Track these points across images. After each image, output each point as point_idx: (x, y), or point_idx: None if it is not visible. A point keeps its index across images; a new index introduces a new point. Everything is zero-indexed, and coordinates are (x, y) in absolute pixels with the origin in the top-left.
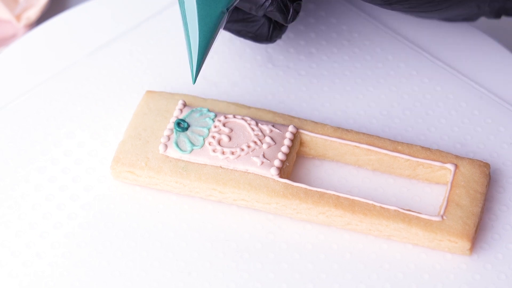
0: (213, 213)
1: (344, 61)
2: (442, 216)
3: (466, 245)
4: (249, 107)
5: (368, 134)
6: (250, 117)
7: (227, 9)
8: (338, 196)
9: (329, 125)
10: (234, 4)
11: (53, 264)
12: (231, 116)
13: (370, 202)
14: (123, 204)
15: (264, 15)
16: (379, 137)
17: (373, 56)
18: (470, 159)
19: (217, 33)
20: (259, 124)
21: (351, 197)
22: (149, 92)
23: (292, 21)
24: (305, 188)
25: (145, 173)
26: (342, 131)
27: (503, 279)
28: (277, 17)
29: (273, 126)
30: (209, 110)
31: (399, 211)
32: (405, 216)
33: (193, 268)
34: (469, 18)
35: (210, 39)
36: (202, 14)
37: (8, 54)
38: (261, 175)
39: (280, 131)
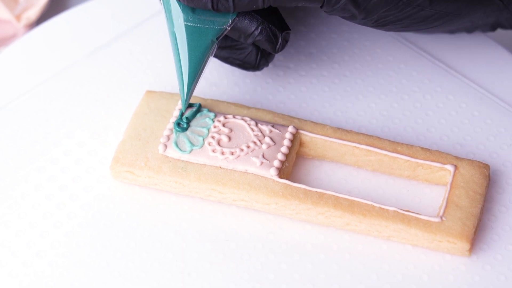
0: (213, 214)
1: (344, 62)
2: (441, 217)
3: (466, 246)
4: (249, 108)
5: (367, 135)
6: (250, 118)
7: (217, 39)
8: (338, 197)
9: (329, 125)
10: (224, 33)
11: (53, 263)
12: (230, 116)
13: (370, 203)
14: (122, 204)
15: (253, 43)
16: (379, 137)
17: (374, 57)
18: (470, 160)
19: (207, 61)
20: (259, 125)
21: (351, 198)
22: (149, 92)
23: (281, 50)
24: (305, 189)
25: (145, 173)
26: (342, 132)
27: (502, 280)
28: (266, 46)
29: (272, 126)
30: (208, 110)
31: (398, 212)
32: (405, 217)
33: (193, 269)
34: (465, 30)
35: (200, 68)
36: (192, 45)
37: (8, 54)
38: (260, 176)
39: (280, 131)
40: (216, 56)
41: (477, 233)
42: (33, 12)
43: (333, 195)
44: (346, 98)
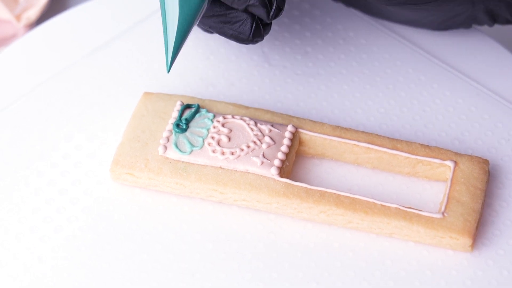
0: (214, 214)
1: (340, 60)
2: (443, 213)
3: (468, 241)
4: (248, 107)
5: (367, 133)
6: (249, 117)
7: None
8: (339, 195)
9: (328, 124)
10: None
11: (54, 267)
12: (229, 116)
13: (371, 200)
14: (123, 206)
15: (246, 11)
16: (378, 135)
17: (369, 55)
18: (469, 155)
19: (196, 22)
20: (258, 124)
21: (352, 196)
22: (146, 93)
23: (275, 17)
24: (306, 188)
25: (145, 174)
26: (341, 130)
27: (505, 275)
28: (259, 11)
29: (272, 125)
30: (207, 111)
31: (400, 208)
32: (406, 213)
33: (195, 270)
34: (462, 22)
35: (189, 26)
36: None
37: (8, 54)
38: (261, 175)
39: (279, 130)
40: (210, 26)
41: (478, 229)
42: (33, 12)
43: (334, 193)
44: (343, 96)
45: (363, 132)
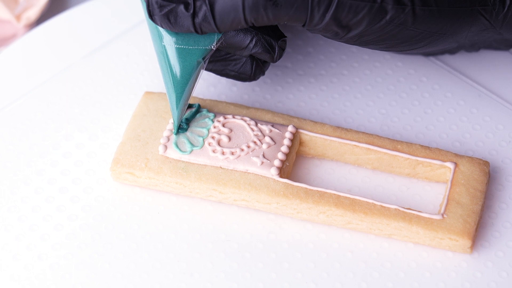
0: (214, 214)
1: (342, 61)
2: (442, 215)
3: (467, 243)
4: (248, 107)
5: (367, 133)
6: (249, 117)
7: (203, 59)
8: (339, 196)
9: (328, 124)
10: (210, 53)
11: (54, 265)
12: (230, 116)
13: (371, 201)
14: (123, 205)
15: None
16: (378, 136)
17: (371, 56)
18: (470, 157)
19: (196, 81)
20: (259, 124)
21: (352, 196)
22: (147, 93)
23: (279, 59)
24: (306, 188)
25: (145, 174)
26: (341, 131)
27: (504, 277)
28: (263, 57)
29: (272, 126)
30: (208, 111)
31: (399, 209)
32: (406, 214)
33: (195, 269)
34: (449, 51)
35: (187, 88)
36: (178, 66)
37: (8, 54)
38: (261, 175)
39: (280, 131)
40: (210, 70)
41: (478, 230)
42: (33, 12)
43: (334, 194)
44: (345, 96)
45: (363, 133)
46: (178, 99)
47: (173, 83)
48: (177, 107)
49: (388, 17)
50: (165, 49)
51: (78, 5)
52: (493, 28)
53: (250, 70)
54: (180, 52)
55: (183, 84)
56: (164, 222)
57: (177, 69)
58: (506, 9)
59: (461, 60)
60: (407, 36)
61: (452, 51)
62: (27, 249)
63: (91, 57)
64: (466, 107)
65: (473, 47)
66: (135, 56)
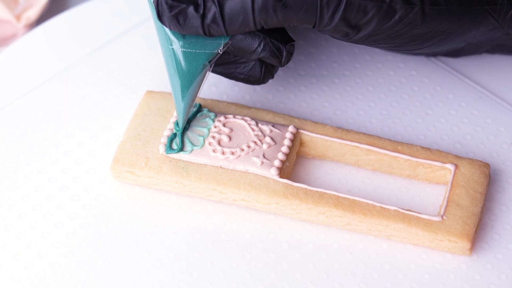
0: (214, 214)
1: (344, 61)
2: (442, 216)
3: (466, 245)
4: (249, 107)
5: (368, 134)
6: (250, 117)
7: (209, 62)
8: (338, 196)
9: (329, 125)
10: (217, 57)
11: (54, 264)
12: (231, 116)
13: (370, 202)
14: (123, 204)
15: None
16: (379, 137)
17: (373, 57)
18: (470, 159)
19: (202, 83)
20: (259, 124)
21: (351, 197)
22: (149, 92)
23: (287, 63)
24: (305, 188)
25: (145, 173)
26: (342, 131)
27: (503, 279)
28: (271, 61)
29: (273, 126)
30: (209, 110)
31: (399, 211)
32: (405, 216)
33: (194, 269)
34: (452, 55)
35: (192, 91)
36: (184, 69)
37: (8, 54)
38: (261, 175)
39: (280, 131)
40: (219, 72)
41: (477, 232)
42: (33, 12)
43: (334, 195)
44: (346, 97)
45: (364, 134)
46: (184, 101)
47: (180, 85)
48: (183, 109)
49: (397, 16)
50: (173, 52)
51: (78, 5)
52: (501, 27)
53: (260, 73)
54: (187, 55)
55: (189, 86)
56: (164, 222)
57: (183, 72)
58: None
59: (463, 62)
60: (415, 35)
61: (455, 55)
62: (27, 247)
63: (91, 57)
64: (467, 109)
65: (477, 51)
66: (135, 56)
